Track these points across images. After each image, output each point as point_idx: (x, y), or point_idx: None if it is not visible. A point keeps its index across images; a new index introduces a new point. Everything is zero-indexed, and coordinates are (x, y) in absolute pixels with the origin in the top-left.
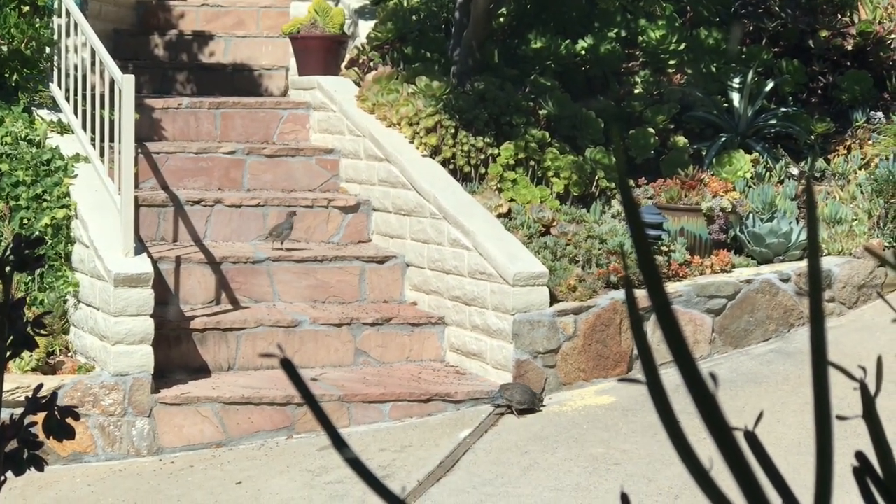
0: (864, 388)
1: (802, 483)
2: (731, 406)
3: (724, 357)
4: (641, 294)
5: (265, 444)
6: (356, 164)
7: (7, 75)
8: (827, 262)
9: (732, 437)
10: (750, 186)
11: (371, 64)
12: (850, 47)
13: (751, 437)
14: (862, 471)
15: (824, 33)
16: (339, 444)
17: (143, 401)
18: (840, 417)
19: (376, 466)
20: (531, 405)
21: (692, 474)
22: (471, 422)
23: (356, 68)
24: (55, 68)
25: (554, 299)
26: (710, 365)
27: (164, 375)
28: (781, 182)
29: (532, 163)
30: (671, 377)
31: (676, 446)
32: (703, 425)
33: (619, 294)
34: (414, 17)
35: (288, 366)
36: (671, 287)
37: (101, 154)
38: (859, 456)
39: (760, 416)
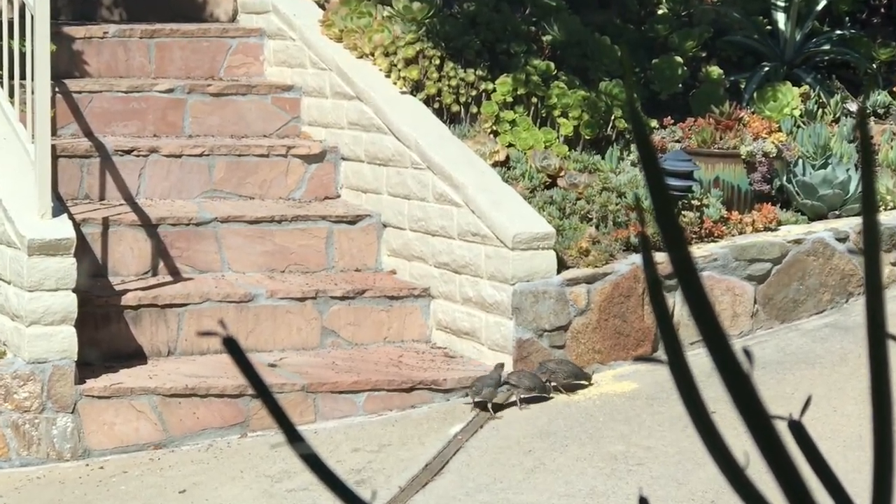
0: None
1: (865, 484)
2: (778, 392)
3: (768, 333)
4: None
5: (214, 444)
6: (321, 104)
7: None
8: (893, 217)
9: (771, 425)
10: (799, 126)
11: None
12: None
13: (796, 428)
14: None
15: None
16: (295, 439)
17: (66, 393)
18: None
19: (349, 470)
20: (578, 381)
21: (724, 473)
22: (463, 415)
23: None
24: None
25: (562, 265)
26: (752, 343)
27: (90, 363)
28: (837, 120)
29: (534, 100)
30: (703, 359)
31: (705, 439)
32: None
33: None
34: None
35: (232, 346)
36: (705, 249)
37: (11, 94)
38: None
39: (808, 401)
